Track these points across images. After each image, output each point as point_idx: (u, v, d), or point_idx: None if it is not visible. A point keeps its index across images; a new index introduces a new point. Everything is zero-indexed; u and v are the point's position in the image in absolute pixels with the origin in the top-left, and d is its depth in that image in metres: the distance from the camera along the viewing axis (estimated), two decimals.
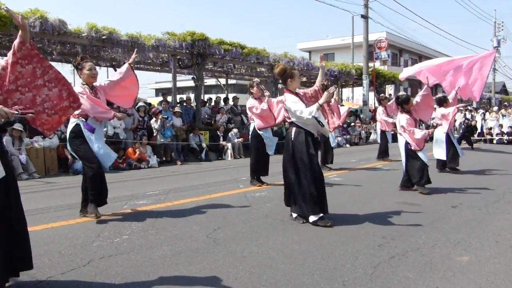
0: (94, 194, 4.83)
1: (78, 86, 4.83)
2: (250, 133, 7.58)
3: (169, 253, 3.70)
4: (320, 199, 4.59)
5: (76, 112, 4.73)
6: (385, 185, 7.30)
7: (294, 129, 4.71)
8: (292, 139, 4.69)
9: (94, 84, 4.94)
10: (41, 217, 5.04)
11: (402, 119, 6.63)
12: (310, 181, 4.55)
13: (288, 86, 4.79)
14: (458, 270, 3.32)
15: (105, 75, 17.49)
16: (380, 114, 11.20)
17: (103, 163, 4.94)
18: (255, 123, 7.26)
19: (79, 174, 8.21)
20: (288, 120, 4.88)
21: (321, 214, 4.58)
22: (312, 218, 4.59)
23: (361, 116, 21.78)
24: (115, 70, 16.17)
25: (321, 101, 4.52)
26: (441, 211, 5.38)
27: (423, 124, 14.67)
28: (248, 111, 7.50)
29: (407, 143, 6.62)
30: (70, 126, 4.85)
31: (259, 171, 7.43)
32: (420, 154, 6.57)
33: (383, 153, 11.36)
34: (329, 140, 9.20)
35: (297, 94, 4.80)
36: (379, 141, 11.77)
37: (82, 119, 4.79)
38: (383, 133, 11.21)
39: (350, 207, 5.56)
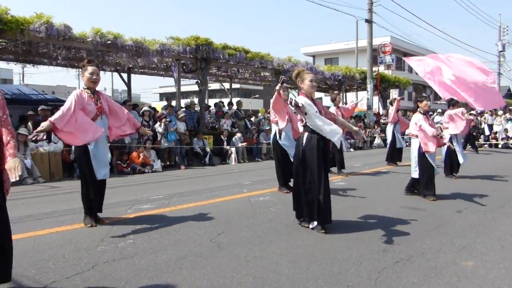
0: (86, 205, 4.81)
1: (78, 90, 4.76)
2: (271, 139, 7.26)
3: (173, 257, 3.71)
4: (327, 206, 4.52)
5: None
6: (390, 190, 7.27)
7: (306, 134, 4.63)
8: (303, 145, 4.62)
9: (97, 89, 4.84)
10: (46, 222, 5.06)
11: (420, 118, 6.41)
12: (317, 188, 4.49)
13: (301, 89, 4.71)
14: (464, 275, 3.30)
15: (109, 80, 17.60)
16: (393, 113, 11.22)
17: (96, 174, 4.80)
18: (276, 128, 6.91)
19: None
20: (301, 124, 4.70)
21: (323, 222, 4.52)
22: (313, 224, 4.56)
23: (365, 120, 21.75)
24: (120, 75, 16.36)
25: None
26: (446, 215, 5.35)
27: None
28: (271, 113, 7.18)
29: (419, 148, 6.46)
30: None
31: (286, 176, 7.02)
32: (429, 158, 6.42)
33: (391, 157, 11.30)
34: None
35: (308, 97, 4.63)
36: (388, 142, 11.67)
37: None
38: (393, 136, 11.17)
39: (354, 212, 5.54)
